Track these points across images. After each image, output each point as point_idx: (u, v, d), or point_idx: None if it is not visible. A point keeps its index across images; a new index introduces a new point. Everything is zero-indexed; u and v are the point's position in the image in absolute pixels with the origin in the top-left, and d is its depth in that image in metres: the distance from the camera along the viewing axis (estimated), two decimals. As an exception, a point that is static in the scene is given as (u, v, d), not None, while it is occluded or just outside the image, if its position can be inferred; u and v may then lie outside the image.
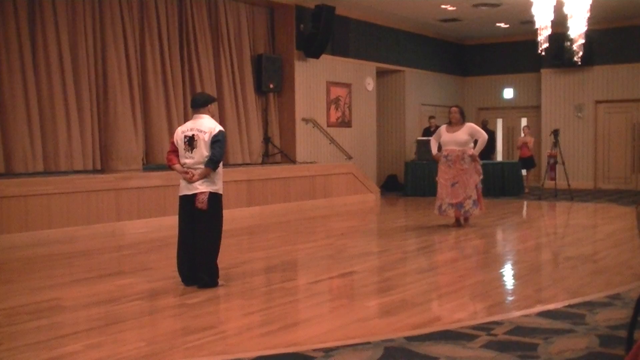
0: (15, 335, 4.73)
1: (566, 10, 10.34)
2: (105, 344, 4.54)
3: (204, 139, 6.09)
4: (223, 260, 6.63)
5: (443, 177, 9.97)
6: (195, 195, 6.12)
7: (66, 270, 7.22)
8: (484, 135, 9.93)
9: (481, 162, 10.12)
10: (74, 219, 9.37)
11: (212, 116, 6.33)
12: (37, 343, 4.55)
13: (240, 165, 12.94)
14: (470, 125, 10.04)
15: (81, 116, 10.75)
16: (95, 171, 10.88)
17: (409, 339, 4.54)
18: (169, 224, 10.23)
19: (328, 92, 15.06)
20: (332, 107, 15.20)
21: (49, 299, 5.85)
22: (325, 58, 14.66)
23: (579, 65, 15.15)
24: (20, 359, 4.25)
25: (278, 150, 14.14)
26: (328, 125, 15.03)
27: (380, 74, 16.84)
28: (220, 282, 6.25)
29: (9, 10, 9.94)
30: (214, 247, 6.25)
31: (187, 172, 6.13)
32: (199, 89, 12.49)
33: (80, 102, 10.75)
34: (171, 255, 8.13)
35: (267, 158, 13.99)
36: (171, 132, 11.95)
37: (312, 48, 14.08)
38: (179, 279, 6.50)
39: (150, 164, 11.72)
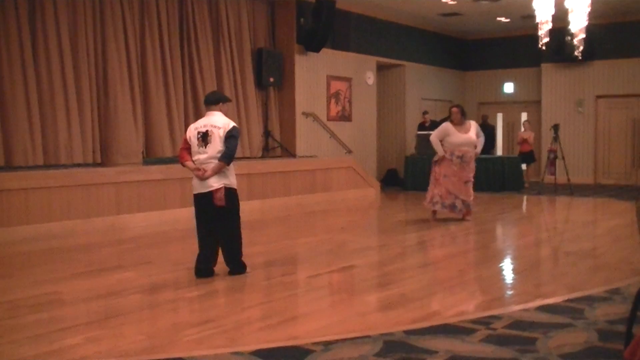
0: (15, 329, 4.73)
1: (567, 4, 10.33)
2: (105, 337, 4.55)
3: (218, 134, 6.14)
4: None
5: (455, 175, 9.88)
6: (210, 193, 6.15)
7: (66, 264, 7.22)
8: (483, 136, 10.16)
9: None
10: (74, 213, 9.37)
11: (225, 114, 6.37)
12: (37, 336, 4.55)
13: (240, 159, 12.92)
14: (475, 125, 10.15)
15: (81, 110, 10.74)
16: (95, 165, 10.88)
17: (408, 333, 4.54)
18: (169, 218, 10.27)
19: (328, 86, 15.05)
20: (333, 101, 15.19)
21: (49, 292, 5.86)
22: (325, 52, 14.64)
23: (580, 60, 15.14)
24: (20, 352, 4.25)
25: (278, 144, 14.14)
26: (328, 120, 15.03)
27: (380, 68, 16.82)
28: (247, 269, 6.46)
29: (10, 4, 9.92)
30: (237, 240, 6.40)
31: (199, 169, 6.15)
32: (199, 84, 12.50)
33: (81, 96, 10.73)
34: (171, 249, 8.18)
35: (267, 152, 13.99)
36: (171, 126, 12.01)
37: (312, 42, 14.06)
38: (179, 273, 6.52)
39: (150, 158, 11.72)
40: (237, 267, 6.39)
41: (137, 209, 10.14)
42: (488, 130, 16.30)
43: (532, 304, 5.30)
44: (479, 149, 10.06)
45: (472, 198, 10.10)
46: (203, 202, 6.23)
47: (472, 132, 9.93)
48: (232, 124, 6.22)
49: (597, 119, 17.48)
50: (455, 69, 19.39)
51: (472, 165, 10.01)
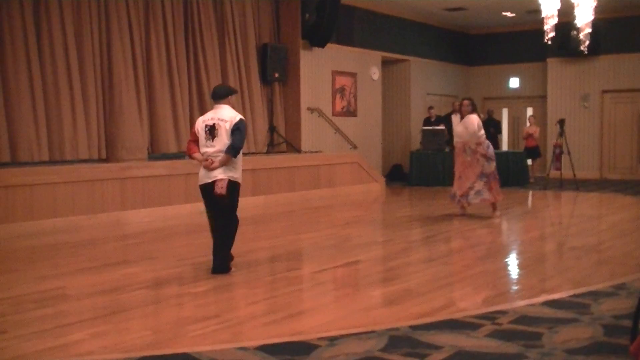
0: (20, 324, 4.74)
1: (573, -2, 10.29)
2: (109, 332, 4.55)
3: (225, 128, 6.15)
4: (227, 249, 6.63)
5: (456, 168, 10.19)
6: (214, 182, 6.14)
7: (71, 259, 7.23)
8: (472, 127, 9.80)
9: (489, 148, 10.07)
10: (78, 208, 9.38)
11: (233, 107, 6.36)
12: (42, 331, 4.56)
13: (245, 154, 12.89)
14: (468, 116, 9.96)
15: (86, 105, 10.75)
16: (100, 160, 10.89)
17: (414, 327, 4.54)
18: (174, 213, 10.28)
19: (333, 81, 15.03)
20: (338, 96, 15.17)
21: (54, 287, 5.87)
22: (330, 47, 14.62)
23: (586, 54, 15.07)
24: (25, 347, 4.26)
25: (283, 139, 14.12)
26: (333, 115, 15.01)
27: (385, 63, 16.79)
28: (232, 269, 6.32)
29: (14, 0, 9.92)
30: (229, 235, 6.33)
31: (207, 160, 6.16)
32: (204, 79, 12.49)
33: (86, 92, 10.74)
34: (176, 244, 8.18)
35: (272, 147, 13.98)
36: (176, 122, 12.01)
37: (317, 37, 14.04)
38: (184, 268, 6.53)
39: (155, 154, 11.73)
40: (221, 265, 6.26)
41: (142, 204, 10.15)
42: (493, 125, 16.29)
43: (537, 299, 5.28)
44: (470, 139, 9.81)
45: (460, 193, 9.99)
46: (207, 192, 6.23)
47: (462, 123, 10.01)
48: (238, 116, 6.22)
49: (603, 114, 17.42)
50: (460, 63, 19.34)
51: (465, 158, 9.86)
